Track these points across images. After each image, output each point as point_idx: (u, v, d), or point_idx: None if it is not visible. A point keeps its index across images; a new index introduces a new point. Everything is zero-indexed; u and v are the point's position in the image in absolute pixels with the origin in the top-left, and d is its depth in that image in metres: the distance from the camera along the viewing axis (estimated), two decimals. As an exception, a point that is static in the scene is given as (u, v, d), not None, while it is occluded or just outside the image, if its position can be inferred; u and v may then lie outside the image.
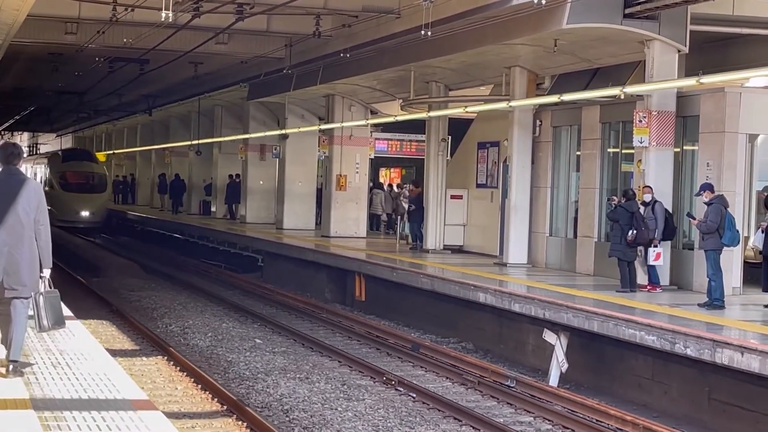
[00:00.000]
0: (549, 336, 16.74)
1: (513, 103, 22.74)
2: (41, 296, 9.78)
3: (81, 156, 50.43)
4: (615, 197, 19.62)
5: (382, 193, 36.17)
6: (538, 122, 23.60)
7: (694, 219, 17.29)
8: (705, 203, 16.97)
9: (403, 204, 31.16)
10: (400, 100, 29.15)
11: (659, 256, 18.61)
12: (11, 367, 9.45)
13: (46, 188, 45.46)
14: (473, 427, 13.46)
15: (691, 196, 19.19)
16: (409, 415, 13.99)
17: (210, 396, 14.37)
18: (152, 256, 38.28)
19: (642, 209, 18.61)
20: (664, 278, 19.21)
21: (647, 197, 18.75)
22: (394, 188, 37.14)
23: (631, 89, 19.22)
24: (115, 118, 53.85)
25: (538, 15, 19.09)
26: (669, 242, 19.24)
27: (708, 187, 17.14)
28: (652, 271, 18.83)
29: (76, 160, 48.73)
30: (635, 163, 19.86)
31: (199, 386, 15.00)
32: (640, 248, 18.64)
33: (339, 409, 14.18)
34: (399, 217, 31.82)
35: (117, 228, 49.94)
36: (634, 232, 18.25)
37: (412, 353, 18.56)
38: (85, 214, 45.88)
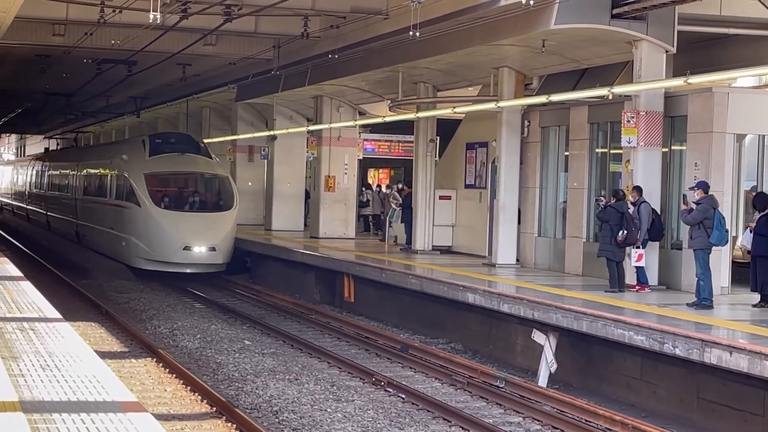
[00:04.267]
0: (538, 336, 16.76)
1: (501, 104, 22.78)
2: None
3: (181, 144, 30.76)
4: (603, 197, 19.66)
5: (370, 193, 36.19)
6: (526, 123, 23.63)
7: (685, 204, 17.24)
8: (694, 202, 17.01)
9: (392, 204, 31.17)
10: (389, 101, 29.16)
11: (641, 257, 18.64)
12: None
13: (122, 202, 29.88)
14: (462, 428, 13.47)
15: (679, 196, 19.22)
16: (399, 416, 14.00)
17: (199, 398, 14.36)
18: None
19: (631, 209, 18.65)
20: (653, 278, 19.25)
21: (633, 197, 18.79)
22: (383, 189, 37.15)
23: (619, 89, 19.27)
24: (103, 119, 53.38)
25: (526, 16, 19.12)
26: (657, 242, 19.28)
27: (702, 185, 17.10)
28: (640, 271, 18.86)
29: (175, 152, 30.07)
30: (623, 164, 19.89)
31: (189, 388, 14.99)
32: (629, 248, 18.67)
33: (328, 410, 14.18)
34: (387, 217, 31.83)
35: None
36: (625, 232, 18.28)
37: (401, 354, 18.57)
38: (199, 250, 27.61)
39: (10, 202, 62.38)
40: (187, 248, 27.45)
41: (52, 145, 70.41)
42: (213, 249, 27.64)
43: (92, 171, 35.37)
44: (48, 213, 44.27)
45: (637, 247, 18.54)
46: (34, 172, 51.08)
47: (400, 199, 30.94)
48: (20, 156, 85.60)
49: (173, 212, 28.14)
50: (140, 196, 28.40)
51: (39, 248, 38.07)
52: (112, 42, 26.70)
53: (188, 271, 27.98)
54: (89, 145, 52.34)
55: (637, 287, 18.75)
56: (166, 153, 29.88)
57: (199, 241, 27.51)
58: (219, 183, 29.81)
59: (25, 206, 53.86)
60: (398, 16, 22.33)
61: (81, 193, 36.49)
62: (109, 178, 31.85)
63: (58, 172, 43.30)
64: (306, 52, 28.04)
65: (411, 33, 20.06)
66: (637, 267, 18.77)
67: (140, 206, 28.31)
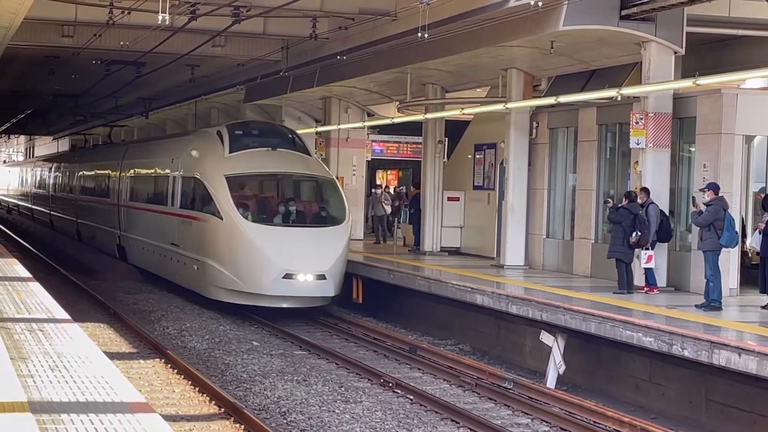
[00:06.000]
0: (546, 338, 16.75)
1: (509, 105, 22.78)
2: None
3: (269, 137, 24.12)
4: (610, 199, 19.65)
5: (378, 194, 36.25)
6: (534, 124, 23.63)
7: (695, 206, 17.23)
8: (704, 203, 16.99)
9: (384, 206, 31.17)
10: (397, 102, 29.17)
11: (651, 258, 18.64)
12: None
13: (192, 213, 23.63)
14: (471, 429, 13.46)
15: (688, 197, 19.21)
16: (407, 417, 14.00)
17: (207, 399, 14.37)
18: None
19: (640, 210, 18.64)
20: (661, 280, 19.23)
21: (641, 198, 18.77)
22: (391, 190, 37.21)
23: (628, 91, 19.27)
24: (111, 121, 53.23)
25: (535, 17, 19.11)
26: (666, 244, 19.26)
27: (713, 187, 17.10)
28: (649, 272, 18.84)
29: (263, 147, 23.42)
30: (632, 165, 19.88)
31: (197, 389, 15.00)
32: (638, 250, 18.66)
33: (336, 411, 14.18)
34: (395, 219, 31.85)
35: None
36: (638, 233, 18.28)
37: (409, 355, 18.56)
38: (305, 278, 21.15)
39: (30, 205, 57.31)
40: (288, 276, 20.97)
41: (59, 143, 70.20)
42: (322, 277, 21.15)
43: (143, 171, 29.21)
44: (78, 220, 38.68)
45: (647, 249, 18.53)
46: (60, 173, 45.70)
47: (391, 200, 30.95)
48: (30, 157, 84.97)
49: (269, 227, 21.65)
50: (221, 206, 21.94)
51: (48, 249, 38.10)
52: (121, 43, 26.72)
53: (285, 305, 21.68)
54: (133, 141, 43.76)
55: (646, 289, 18.73)
56: (252, 148, 23.36)
57: (305, 266, 21.07)
58: (324, 188, 23.29)
59: (48, 211, 48.27)
60: (406, 17, 22.32)
61: (126, 199, 30.42)
62: (170, 181, 25.47)
63: (92, 173, 37.31)
64: (314, 54, 28.04)
65: (419, 34, 20.05)
66: (646, 268, 18.75)
67: (222, 219, 21.87)
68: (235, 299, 22.12)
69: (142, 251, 28.45)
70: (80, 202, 38.95)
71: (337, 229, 21.99)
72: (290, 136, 24.53)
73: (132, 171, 30.48)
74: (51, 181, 48.37)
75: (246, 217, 21.71)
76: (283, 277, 21.00)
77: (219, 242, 22.11)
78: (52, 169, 48.62)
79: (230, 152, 23.06)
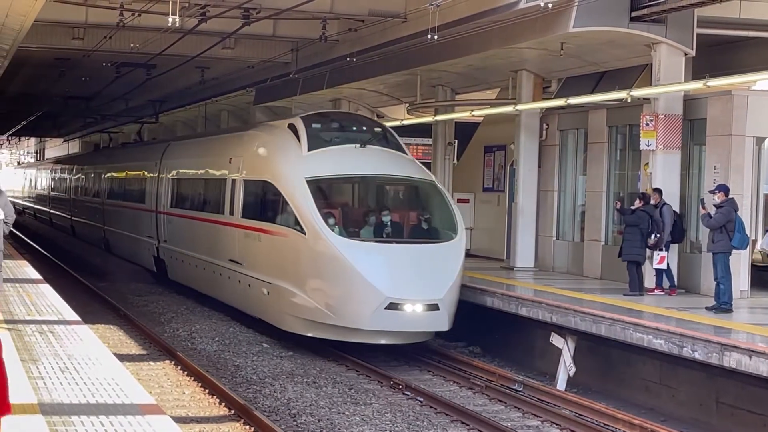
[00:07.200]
0: (556, 340, 16.74)
1: (519, 107, 22.77)
2: None
3: (354, 131, 19.80)
4: (620, 201, 19.62)
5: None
6: (544, 126, 23.61)
7: (704, 208, 17.20)
8: (715, 206, 16.96)
9: None
10: (407, 104, 29.17)
11: (663, 259, 18.62)
12: None
13: (261, 225, 19.61)
14: (480, 431, 13.45)
15: (698, 198, 19.19)
16: (417, 420, 13.99)
17: (217, 400, 14.38)
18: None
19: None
20: (673, 281, 19.19)
21: (654, 199, 18.76)
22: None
23: (638, 92, 19.26)
24: (122, 123, 53.12)
25: (545, 19, 19.10)
26: (677, 245, 19.23)
27: (723, 188, 17.08)
28: (665, 273, 18.79)
29: (351, 143, 19.16)
30: (642, 166, 19.85)
31: (207, 391, 15.01)
32: (648, 251, 18.65)
33: (346, 413, 14.19)
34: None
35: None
36: (657, 235, 18.26)
37: (419, 357, 18.53)
38: (413, 309, 16.97)
39: (48, 209, 54.93)
40: (392, 307, 16.83)
41: (69, 145, 70.12)
42: (434, 307, 17.04)
43: (190, 173, 25.47)
44: (106, 227, 35.67)
45: (660, 250, 18.51)
46: (84, 175, 42.48)
47: None
48: (41, 158, 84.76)
49: (368, 245, 17.52)
50: (303, 217, 17.69)
51: (57, 251, 38.18)
52: (131, 45, 26.77)
53: (384, 341, 17.78)
54: (175, 137, 37.87)
55: (663, 291, 18.66)
56: (336, 144, 19.15)
57: (414, 293, 17.00)
58: (430, 194, 19.11)
59: (69, 216, 45.42)
60: (416, 19, 22.31)
61: (167, 205, 26.87)
62: (228, 185, 21.66)
63: (123, 175, 33.77)
64: (324, 56, 28.05)
65: (429, 36, 20.05)
66: (659, 270, 18.71)
67: (304, 234, 17.64)
68: (321, 333, 18.01)
69: (188, 267, 24.96)
70: (108, 207, 35.63)
71: (451, 246, 17.83)
72: (379, 129, 20.15)
73: (174, 172, 26.63)
74: (72, 184, 45.30)
75: (335, 231, 17.45)
76: (386, 308, 16.86)
77: (300, 262, 17.98)
78: (74, 171, 45.57)
79: (309, 150, 18.84)
